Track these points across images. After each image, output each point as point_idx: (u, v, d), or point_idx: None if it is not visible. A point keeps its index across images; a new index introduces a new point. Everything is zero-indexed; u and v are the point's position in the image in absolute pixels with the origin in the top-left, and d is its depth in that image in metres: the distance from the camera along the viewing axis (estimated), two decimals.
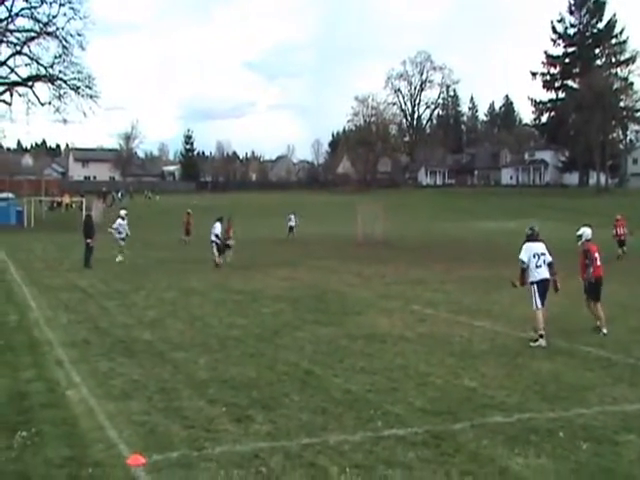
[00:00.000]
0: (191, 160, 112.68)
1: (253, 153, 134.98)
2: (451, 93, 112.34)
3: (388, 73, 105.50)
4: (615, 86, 76.36)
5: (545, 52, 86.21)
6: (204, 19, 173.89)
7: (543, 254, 10.97)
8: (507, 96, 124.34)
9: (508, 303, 14.71)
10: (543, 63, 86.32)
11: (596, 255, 11.84)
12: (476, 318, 12.98)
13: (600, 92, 69.70)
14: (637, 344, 10.73)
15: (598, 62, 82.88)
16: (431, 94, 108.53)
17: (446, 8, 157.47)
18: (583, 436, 6.47)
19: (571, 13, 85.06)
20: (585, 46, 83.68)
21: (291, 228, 36.57)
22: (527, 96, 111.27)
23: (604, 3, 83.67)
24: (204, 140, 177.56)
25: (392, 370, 8.95)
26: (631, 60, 79.74)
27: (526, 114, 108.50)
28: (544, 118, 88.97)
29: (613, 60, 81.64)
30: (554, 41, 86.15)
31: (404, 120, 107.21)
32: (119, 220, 24.78)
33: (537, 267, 10.88)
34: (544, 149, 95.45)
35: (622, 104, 76.52)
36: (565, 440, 6.36)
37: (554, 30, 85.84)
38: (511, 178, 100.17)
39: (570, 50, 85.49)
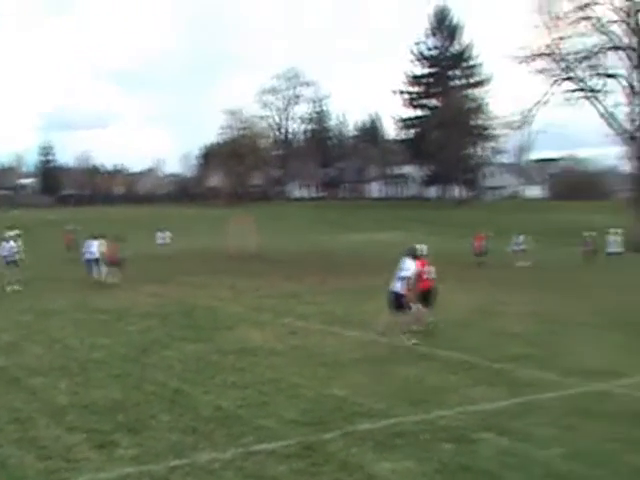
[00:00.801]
0: (50, 172, 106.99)
1: (119, 166, 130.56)
2: (321, 108, 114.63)
3: (259, 87, 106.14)
4: (470, 106, 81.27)
5: (406, 72, 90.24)
6: (64, 25, 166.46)
7: (401, 269, 11.92)
8: (373, 112, 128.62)
9: (377, 312, 15.15)
10: (405, 82, 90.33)
11: (425, 269, 12.58)
12: (347, 328, 13.25)
13: (458, 111, 73.90)
14: (493, 347, 11.41)
15: (456, 82, 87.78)
16: (301, 109, 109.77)
17: (318, 25, 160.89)
18: (445, 437, 6.77)
19: (432, 35, 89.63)
20: (443, 67, 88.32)
21: (162, 245, 35.58)
22: (390, 114, 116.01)
23: (459, 28, 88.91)
24: (66, 152, 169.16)
25: (264, 384, 8.93)
26: (485, 82, 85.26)
27: (391, 130, 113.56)
28: (408, 134, 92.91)
29: (468, 82, 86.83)
30: (416, 61, 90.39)
31: (275, 134, 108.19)
32: (4, 243, 20.96)
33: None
34: (408, 164, 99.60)
35: (477, 122, 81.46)
36: (429, 442, 6.63)
37: (415, 51, 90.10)
38: (380, 191, 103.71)
39: (430, 71, 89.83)
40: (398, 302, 11.77)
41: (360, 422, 7.25)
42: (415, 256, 12.32)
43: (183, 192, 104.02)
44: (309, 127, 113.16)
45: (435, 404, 7.96)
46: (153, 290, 19.88)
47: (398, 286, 11.82)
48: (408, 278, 11.83)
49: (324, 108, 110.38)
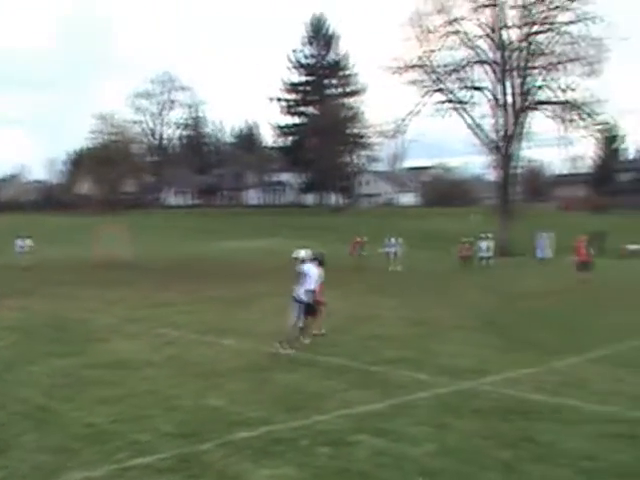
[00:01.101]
0: None
1: None
2: (197, 114, 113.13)
3: (131, 91, 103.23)
4: (346, 114, 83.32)
5: (284, 80, 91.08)
6: None
7: (305, 276, 11.70)
8: (250, 119, 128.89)
9: (254, 320, 15.16)
10: (282, 90, 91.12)
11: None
12: (223, 337, 13.11)
13: (334, 119, 75.47)
14: (368, 351, 11.71)
15: (333, 91, 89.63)
16: (176, 114, 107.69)
17: (195, 29, 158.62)
18: (322, 441, 6.85)
19: (307, 44, 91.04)
20: (320, 76, 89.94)
21: (22, 254, 33.28)
22: (268, 121, 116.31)
23: (336, 37, 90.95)
24: None
25: (138, 397, 8.65)
26: (360, 91, 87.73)
27: (269, 137, 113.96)
28: (285, 142, 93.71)
29: (344, 91, 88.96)
30: (292, 69, 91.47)
31: (149, 139, 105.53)
32: None
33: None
34: (285, 171, 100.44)
35: (352, 131, 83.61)
36: (306, 447, 6.69)
37: (292, 59, 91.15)
38: (258, 198, 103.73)
39: (307, 79, 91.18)
40: (308, 310, 11.79)
41: (238, 431, 7.19)
42: (320, 262, 12.28)
43: (49, 199, 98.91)
44: (184, 133, 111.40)
45: (313, 409, 8.04)
46: (15, 303, 18.63)
47: (306, 296, 11.62)
48: (316, 287, 11.81)
49: (200, 114, 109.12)
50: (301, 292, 11.66)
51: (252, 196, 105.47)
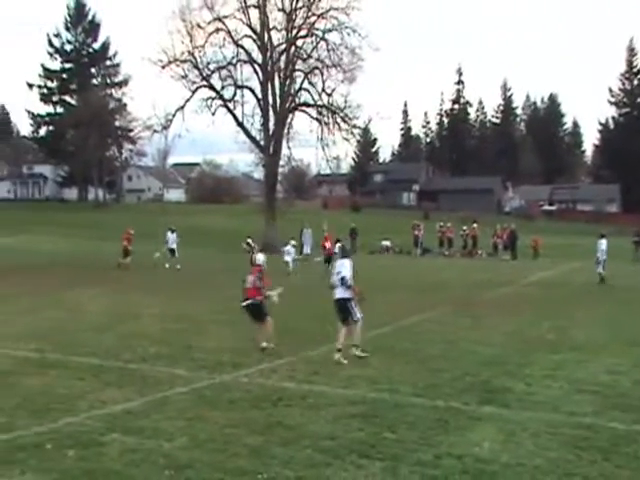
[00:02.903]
0: None
1: None
2: None
3: None
4: (111, 106, 79.87)
5: (42, 65, 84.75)
6: None
7: (339, 272, 10.95)
8: (2, 106, 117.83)
9: (2, 321, 14.06)
10: (40, 76, 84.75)
11: (247, 277, 11.79)
12: None
13: (97, 111, 71.83)
14: (126, 349, 11.43)
15: (95, 81, 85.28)
16: None
17: None
18: (70, 444, 6.60)
19: (67, 29, 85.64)
20: (81, 64, 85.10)
21: None
22: (25, 108, 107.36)
23: (98, 25, 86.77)
24: None
25: None
26: (124, 82, 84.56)
27: (25, 126, 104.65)
28: (43, 132, 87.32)
29: (108, 81, 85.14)
30: (51, 55, 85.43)
31: None
32: None
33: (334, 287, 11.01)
34: (43, 163, 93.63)
35: (117, 124, 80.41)
36: (52, 451, 6.40)
37: (51, 44, 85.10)
38: (9, 192, 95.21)
39: (67, 66, 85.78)
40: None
41: None
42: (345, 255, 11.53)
43: None
44: None
45: (62, 412, 7.70)
46: None
47: (347, 292, 10.84)
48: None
49: None
50: (340, 291, 10.92)
51: (4, 188, 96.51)
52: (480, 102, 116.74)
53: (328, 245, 27.61)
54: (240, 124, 42.96)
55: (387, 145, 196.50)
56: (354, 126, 43.15)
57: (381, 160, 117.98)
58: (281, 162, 45.79)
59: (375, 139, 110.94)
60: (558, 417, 7.83)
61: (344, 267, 10.94)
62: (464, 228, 41.80)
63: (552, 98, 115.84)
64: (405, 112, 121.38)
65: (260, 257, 12.17)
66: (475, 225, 41.58)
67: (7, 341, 11.95)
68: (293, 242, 29.19)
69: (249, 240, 33.72)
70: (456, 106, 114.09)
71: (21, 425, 7.21)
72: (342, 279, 10.80)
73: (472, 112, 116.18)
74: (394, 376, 9.75)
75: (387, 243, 44.05)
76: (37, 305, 16.79)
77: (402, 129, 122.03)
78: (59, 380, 9.28)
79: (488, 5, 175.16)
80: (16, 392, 8.62)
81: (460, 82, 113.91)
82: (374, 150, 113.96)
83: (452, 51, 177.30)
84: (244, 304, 11.60)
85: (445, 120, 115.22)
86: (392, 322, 14.61)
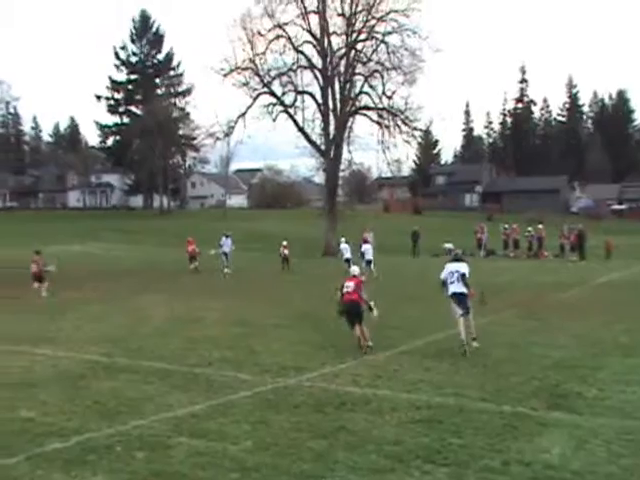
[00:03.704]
0: None
1: None
2: (11, 110, 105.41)
3: None
4: (175, 115, 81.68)
5: (109, 77, 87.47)
6: None
7: (457, 271, 11.93)
8: (72, 117, 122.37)
9: (72, 328, 14.51)
10: (108, 88, 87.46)
11: (346, 283, 12.13)
12: (38, 346, 12.40)
13: (161, 120, 73.65)
14: (191, 353, 11.63)
15: (159, 91, 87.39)
16: None
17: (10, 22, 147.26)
18: (139, 446, 6.76)
19: (133, 42, 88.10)
20: (146, 75, 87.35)
21: None
22: (93, 119, 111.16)
23: (162, 36, 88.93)
24: None
25: None
26: (187, 92, 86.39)
27: (92, 136, 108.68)
28: (110, 142, 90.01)
29: (172, 91, 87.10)
30: (117, 67, 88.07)
31: None
32: None
33: (450, 283, 11.94)
34: (110, 172, 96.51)
35: (181, 132, 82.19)
36: (121, 453, 6.56)
37: (117, 56, 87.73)
38: (78, 201, 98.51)
39: (133, 77, 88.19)
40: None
41: (49, 443, 6.89)
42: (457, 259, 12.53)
43: None
44: None
45: (130, 415, 7.88)
46: None
47: (459, 287, 11.90)
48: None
49: (15, 110, 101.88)
50: (459, 286, 11.83)
51: (74, 198, 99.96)
52: (545, 100, 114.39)
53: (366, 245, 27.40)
54: (301, 129, 43.17)
55: (449, 146, 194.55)
56: (415, 128, 42.80)
57: (443, 162, 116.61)
58: (342, 166, 45.74)
59: (437, 140, 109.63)
60: (632, 423, 7.55)
61: (463, 267, 12.05)
62: (529, 229, 40.85)
63: (621, 94, 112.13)
64: (467, 112, 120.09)
65: (355, 269, 13.10)
66: (541, 226, 40.61)
67: (79, 346, 12.32)
68: (343, 239, 29.49)
69: (284, 243, 33.14)
70: (520, 105, 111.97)
71: (92, 427, 7.41)
72: (462, 275, 11.87)
73: (536, 111, 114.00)
74: (459, 380, 9.60)
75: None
76: (107, 311, 17.27)
77: (464, 130, 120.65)
78: (128, 384, 9.51)
79: (552, 1, 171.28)
80: (87, 395, 8.88)
81: (524, 80, 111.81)
82: (436, 152, 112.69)
83: (515, 49, 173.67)
84: (344, 305, 11.96)
85: (508, 120, 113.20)
86: (456, 325, 14.35)
